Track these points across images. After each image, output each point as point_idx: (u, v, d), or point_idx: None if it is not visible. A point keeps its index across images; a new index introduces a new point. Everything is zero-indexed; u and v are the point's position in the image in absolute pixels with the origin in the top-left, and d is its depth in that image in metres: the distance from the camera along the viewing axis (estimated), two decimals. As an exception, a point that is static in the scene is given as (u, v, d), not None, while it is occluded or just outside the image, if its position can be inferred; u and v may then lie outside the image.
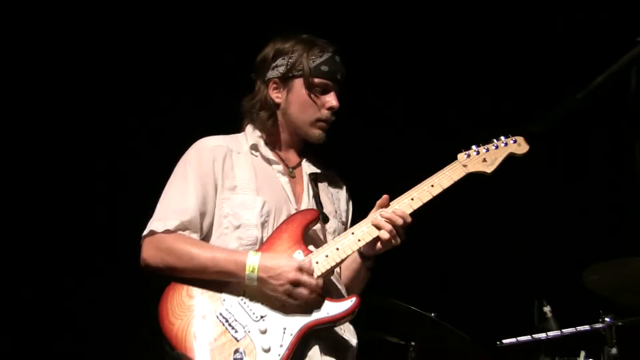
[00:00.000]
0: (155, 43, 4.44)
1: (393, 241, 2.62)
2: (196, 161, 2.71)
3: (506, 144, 2.81)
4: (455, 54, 4.64)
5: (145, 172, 3.47)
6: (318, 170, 2.88)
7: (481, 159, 2.77)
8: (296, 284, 2.50)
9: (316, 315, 2.54)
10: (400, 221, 2.60)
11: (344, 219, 2.92)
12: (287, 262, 2.53)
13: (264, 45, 2.87)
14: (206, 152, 2.73)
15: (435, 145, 3.72)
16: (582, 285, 3.66)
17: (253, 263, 2.52)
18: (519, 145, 2.80)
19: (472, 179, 2.75)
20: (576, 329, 3.65)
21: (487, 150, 2.79)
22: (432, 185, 2.69)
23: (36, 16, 4.30)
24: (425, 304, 3.76)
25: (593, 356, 3.59)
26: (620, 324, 3.53)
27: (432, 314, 3.75)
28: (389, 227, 2.60)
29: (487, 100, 4.62)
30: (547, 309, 3.77)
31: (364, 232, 2.66)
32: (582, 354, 3.60)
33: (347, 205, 2.97)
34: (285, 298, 2.52)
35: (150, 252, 2.63)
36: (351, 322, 2.75)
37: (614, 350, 3.48)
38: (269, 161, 2.80)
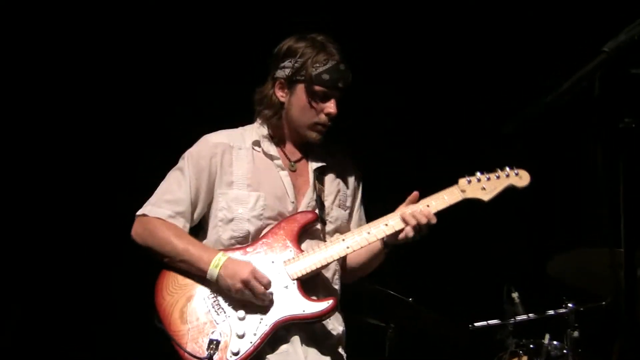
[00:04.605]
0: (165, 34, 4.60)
1: (413, 235, 2.71)
2: (196, 156, 2.85)
3: (508, 175, 2.77)
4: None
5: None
6: (323, 164, 2.93)
7: (480, 186, 2.76)
8: (246, 285, 2.63)
9: (292, 311, 2.65)
10: (424, 220, 2.70)
11: (348, 204, 2.96)
12: (245, 266, 2.66)
13: (281, 39, 2.91)
14: (206, 148, 2.85)
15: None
16: (547, 273, 3.87)
17: (219, 260, 2.67)
18: (520, 178, 2.77)
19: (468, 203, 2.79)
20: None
21: (489, 179, 2.76)
22: (428, 206, 2.75)
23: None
24: (404, 290, 3.94)
25: (556, 338, 3.80)
26: (581, 309, 3.76)
27: (410, 299, 3.94)
28: (414, 222, 2.69)
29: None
30: (515, 295, 3.96)
31: (356, 241, 2.74)
32: (547, 336, 3.81)
33: (355, 187, 3.01)
34: (238, 296, 2.66)
35: (137, 230, 2.82)
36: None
37: (575, 333, 3.70)
38: (270, 156, 2.88)
